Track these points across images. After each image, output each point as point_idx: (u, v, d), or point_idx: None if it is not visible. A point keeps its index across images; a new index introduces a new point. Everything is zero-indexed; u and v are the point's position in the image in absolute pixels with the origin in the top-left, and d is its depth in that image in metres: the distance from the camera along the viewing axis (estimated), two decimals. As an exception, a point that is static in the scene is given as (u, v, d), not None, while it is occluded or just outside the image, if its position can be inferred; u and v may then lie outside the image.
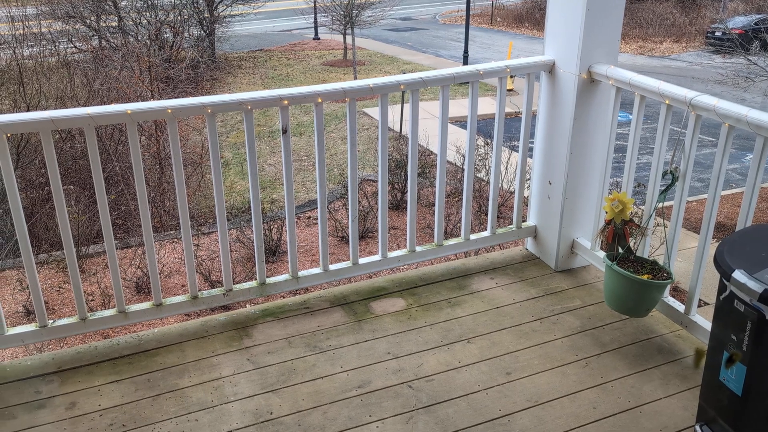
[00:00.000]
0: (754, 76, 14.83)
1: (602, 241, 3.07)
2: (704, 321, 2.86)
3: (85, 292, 2.96)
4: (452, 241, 3.58)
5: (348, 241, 9.80)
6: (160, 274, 3.54)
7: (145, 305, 3.06)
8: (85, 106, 11.42)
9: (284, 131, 2.98)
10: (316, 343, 2.98)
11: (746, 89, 14.72)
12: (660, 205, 2.91)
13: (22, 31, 16.35)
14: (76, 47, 20.25)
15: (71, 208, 9.34)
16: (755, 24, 22.64)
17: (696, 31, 30.44)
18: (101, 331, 6.47)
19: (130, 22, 21.51)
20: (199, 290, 3.12)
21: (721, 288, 2.22)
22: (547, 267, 3.55)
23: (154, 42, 18.32)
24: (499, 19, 36.34)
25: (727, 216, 10.85)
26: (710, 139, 12.87)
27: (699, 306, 2.98)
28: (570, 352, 2.89)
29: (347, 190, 3.33)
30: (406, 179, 11.00)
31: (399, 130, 14.80)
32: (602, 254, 3.12)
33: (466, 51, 24.00)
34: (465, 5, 24.89)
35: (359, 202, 10.45)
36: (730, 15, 28.42)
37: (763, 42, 15.96)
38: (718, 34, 26.28)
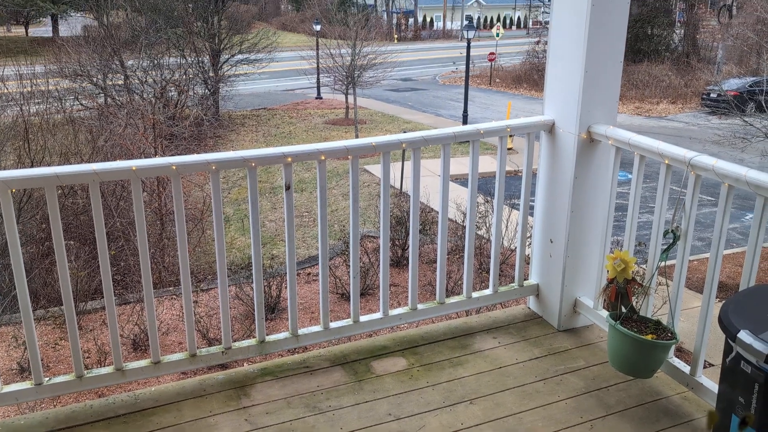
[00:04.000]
0: (750, 137, 15.02)
1: (605, 300, 3.05)
2: (710, 383, 2.81)
3: (81, 349, 2.92)
4: (454, 299, 3.55)
5: (347, 298, 9.74)
6: (157, 331, 3.47)
7: (143, 363, 3.01)
8: (89, 162, 11.54)
9: (287, 188, 3.00)
10: (316, 403, 2.92)
11: (743, 149, 14.89)
12: (662, 264, 2.91)
13: (29, 89, 16.67)
14: (82, 104, 20.61)
15: (71, 264, 9.32)
16: (750, 86, 23.08)
17: (692, 92, 31.02)
18: (96, 389, 6.36)
19: (136, 81, 21.96)
20: (197, 348, 3.08)
21: (727, 349, 2.19)
22: (549, 326, 3.51)
23: (159, 100, 18.65)
24: (497, 80, 37.10)
25: (728, 275, 10.80)
26: (709, 198, 12.94)
27: (704, 367, 2.93)
28: (575, 414, 2.83)
29: (348, 246, 3.32)
30: (407, 235, 11.01)
31: (400, 188, 14.91)
32: (605, 313, 3.10)
33: (465, 110, 24.41)
34: (464, 66, 25.45)
35: (359, 258, 10.42)
36: (724, 77, 29.01)
37: (758, 104, 16.23)
38: (713, 95, 26.75)
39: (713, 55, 35.93)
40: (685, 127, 24.66)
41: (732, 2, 32.94)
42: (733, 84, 25.47)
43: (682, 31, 39.88)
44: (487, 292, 3.60)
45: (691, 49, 38.29)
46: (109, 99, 21.47)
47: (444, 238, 3.40)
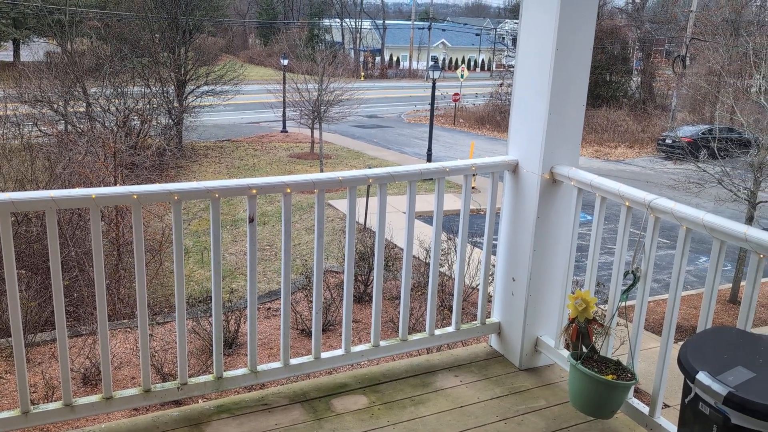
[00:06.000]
0: (704, 183, 15.49)
1: (566, 340, 3.06)
2: (669, 424, 2.83)
3: (28, 382, 2.79)
4: (417, 336, 3.52)
5: (307, 334, 9.60)
6: (110, 364, 3.34)
7: (94, 398, 2.89)
8: (46, 189, 11.26)
9: (251, 220, 2.96)
10: (273, 442, 2.84)
11: (697, 194, 15.34)
12: (622, 304, 2.94)
13: (-14, 113, 16.32)
14: (41, 131, 20.22)
15: (21, 294, 9.01)
16: (702, 134, 23.95)
17: (648, 138, 32.06)
18: (42, 426, 6.10)
19: (99, 109, 21.69)
20: (152, 383, 2.98)
21: (686, 390, 2.21)
22: (511, 365, 3.50)
23: (121, 129, 18.43)
24: (461, 120, 37.74)
25: (683, 317, 11.01)
26: (665, 241, 13.26)
27: (662, 408, 2.95)
28: (536, 455, 2.81)
29: (309, 281, 3.28)
30: (370, 271, 10.98)
31: (364, 223, 14.90)
32: (566, 353, 3.11)
33: (429, 149, 24.72)
34: (429, 106, 25.85)
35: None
36: (679, 124, 30.06)
37: (711, 151, 16.85)
38: (668, 141, 27.68)
39: (668, 102, 37.26)
40: (642, 171, 25.37)
41: (686, 53, 34.34)
42: (687, 131, 26.41)
43: (639, 78, 41.38)
44: (450, 329, 3.59)
45: (648, 97, 39.69)
46: (69, 126, 21.13)
47: (408, 274, 3.39)
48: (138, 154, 16.91)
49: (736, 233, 2.48)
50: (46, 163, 14.06)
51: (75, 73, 22.54)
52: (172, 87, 26.48)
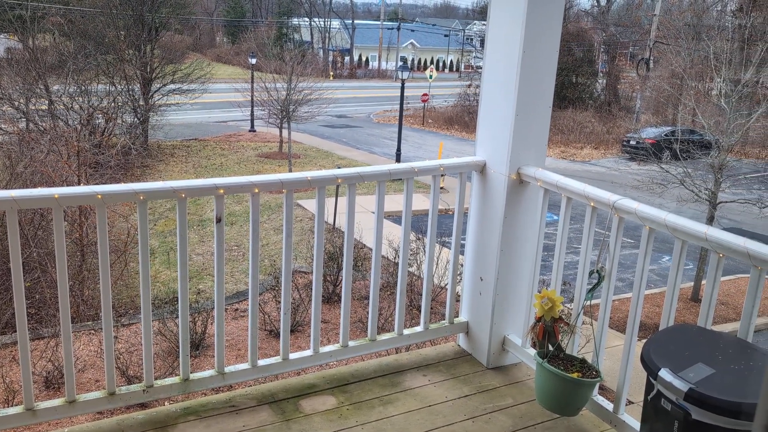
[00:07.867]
0: (667, 183, 15.81)
1: (533, 338, 3.10)
2: (633, 420, 2.88)
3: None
4: (385, 336, 3.53)
5: (276, 335, 9.54)
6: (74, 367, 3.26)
7: (57, 402, 2.84)
8: (6, 189, 10.99)
9: (218, 220, 2.94)
10: (241, 443, 2.81)
11: (660, 195, 15.65)
12: (587, 303, 2.99)
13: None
14: (1, 129, 19.74)
15: (-20, 295, 8.79)
16: (665, 135, 24.42)
17: (613, 139, 32.59)
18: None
19: (62, 107, 21.25)
20: (117, 386, 2.93)
21: (649, 387, 2.25)
22: (479, 364, 3.53)
23: (85, 127, 18.08)
24: (430, 121, 37.89)
25: (647, 315, 11.22)
26: (629, 240, 13.50)
27: (626, 405, 3.00)
28: (503, 453, 2.84)
29: (278, 281, 3.27)
30: (339, 271, 10.96)
31: (333, 223, 14.87)
32: (533, 352, 3.14)
33: (398, 149, 24.78)
34: (398, 106, 25.91)
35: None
36: (643, 126, 30.61)
37: (674, 152, 17.21)
38: (632, 142, 28.19)
39: (632, 104, 37.95)
40: (607, 172, 25.78)
41: (649, 56, 35.02)
42: (650, 132, 26.91)
43: (605, 81, 42.06)
44: (418, 329, 3.60)
45: (613, 98, 40.37)
46: (31, 124, 20.64)
47: (377, 274, 3.39)
48: (102, 153, 16.61)
49: (697, 233, 2.54)
50: (7, 162, 13.71)
51: (37, 69, 22.05)
52: (138, 85, 26.07)
